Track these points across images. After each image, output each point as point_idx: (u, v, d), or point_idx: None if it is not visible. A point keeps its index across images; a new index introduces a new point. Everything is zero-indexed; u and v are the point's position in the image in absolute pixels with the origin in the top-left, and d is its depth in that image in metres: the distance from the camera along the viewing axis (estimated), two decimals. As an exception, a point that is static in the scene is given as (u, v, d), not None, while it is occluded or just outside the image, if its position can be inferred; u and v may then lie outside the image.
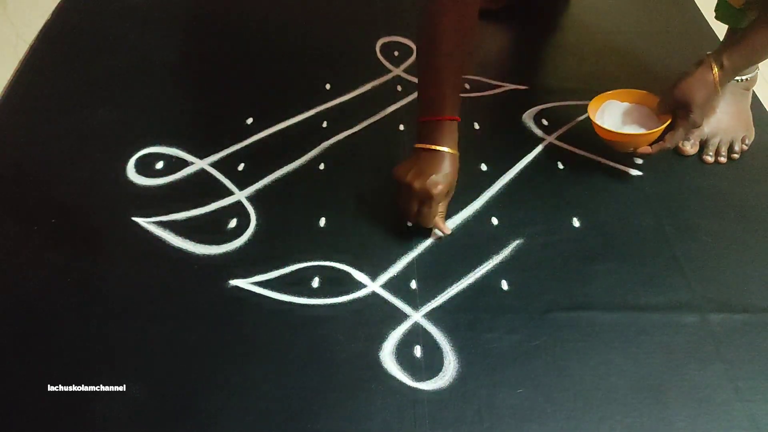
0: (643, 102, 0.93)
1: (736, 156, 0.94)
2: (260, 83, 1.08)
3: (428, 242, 0.84)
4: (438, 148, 0.78)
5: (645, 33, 1.18)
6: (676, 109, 0.86)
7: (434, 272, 0.81)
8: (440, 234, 0.84)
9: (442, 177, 0.78)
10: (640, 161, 0.95)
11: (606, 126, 0.90)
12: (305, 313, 0.77)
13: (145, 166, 0.94)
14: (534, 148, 0.97)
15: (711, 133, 0.95)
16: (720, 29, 1.18)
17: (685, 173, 0.94)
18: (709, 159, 0.94)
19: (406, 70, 1.11)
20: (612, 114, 0.93)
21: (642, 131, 0.89)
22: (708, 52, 0.85)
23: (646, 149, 0.88)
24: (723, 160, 0.94)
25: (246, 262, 0.82)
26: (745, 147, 0.95)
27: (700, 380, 0.72)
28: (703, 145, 0.95)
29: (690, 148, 0.95)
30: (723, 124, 0.93)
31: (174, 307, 0.77)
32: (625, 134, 0.89)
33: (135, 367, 0.72)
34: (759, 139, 0.98)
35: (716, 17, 0.93)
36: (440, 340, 0.75)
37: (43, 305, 0.77)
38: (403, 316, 0.77)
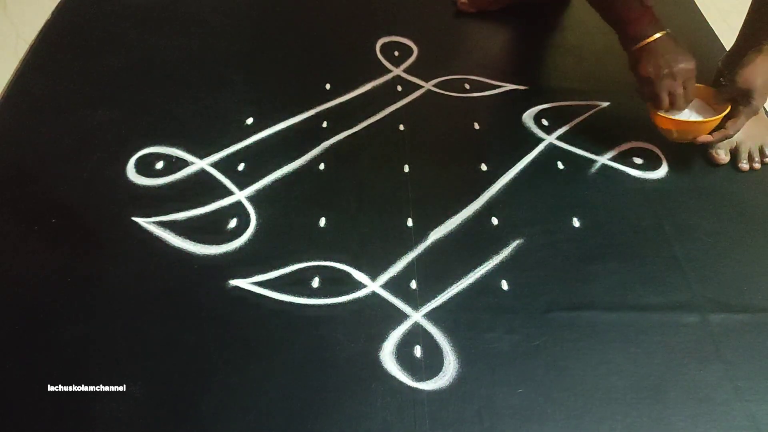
0: (697, 94, 0.92)
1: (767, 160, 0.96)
2: (260, 83, 1.08)
3: (428, 242, 0.85)
4: (661, 33, 0.85)
5: (645, 33, 1.18)
6: (738, 97, 0.86)
7: (434, 272, 0.81)
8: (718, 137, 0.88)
9: (684, 52, 0.85)
10: (639, 161, 0.95)
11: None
12: (305, 313, 0.77)
13: (145, 166, 0.94)
14: (534, 148, 0.97)
15: (741, 141, 0.95)
16: (720, 29, 1.18)
17: (685, 173, 0.94)
18: (744, 166, 0.95)
19: (406, 70, 1.11)
20: None
21: (702, 119, 0.89)
22: (764, 41, 0.85)
23: (706, 137, 0.88)
24: (757, 165, 0.95)
25: (246, 262, 0.82)
26: None
27: (700, 380, 0.72)
28: (734, 152, 0.96)
29: (724, 156, 0.95)
30: (751, 130, 0.94)
31: (174, 307, 0.77)
32: (690, 122, 0.89)
33: (135, 367, 0.72)
34: (759, 139, 0.98)
35: None
36: (440, 340, 0.75)
37: (43, 305, 0.77)
38: (403, 316, 0.77)
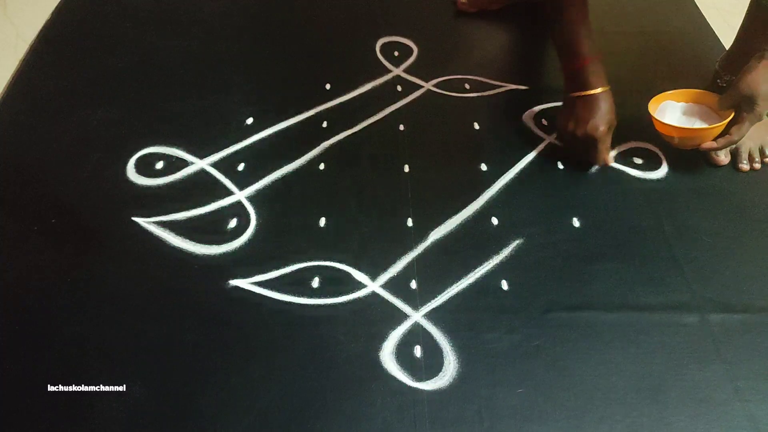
0: (700, 100, 0.93)
1: None
2: (260, 83, 1.08)
3: (428, 242, 0.85)
4: (590, 92, 0.86)
5: (645, 33, 1.18)
6: (741, 104, 0.86)
7: (434, 272, 0.81)
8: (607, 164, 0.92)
9: (600, 119, 0.86)
10: (639, 161, 0.95)
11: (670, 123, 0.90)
12: (305, 313, 0.77)
13: (145, 166, 0.94)
14: (534, 148, 0.97)
15: (741, 141, 0.94)
16: (720, 29, 1.18)
17: (685, 173, 0.94)
18: (745, 167, 0.95)
19: (406, 70, 1.11)
20: (672, 113, 0.93)
21: (706, 126, 0.89)
22: (766, 46, 0.84)
23: (711, 144, 0.88)
24: (758, 166, 0.95)
25: (246, 262, 0.82)
26: None
27: (699, 380, 0.72)
28: (734, 153, 0.95)
29: (724, 157, 0.95)
30: (751, 131, 0.92)
31: (174, 307, 0.77)
32: (693, 129, 0.89)
33: (135, 367, 0.72)
34: (759, 139, 0.98)
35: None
36: (440, 340, 0.75)
37: (43, 305, 0.77)
38: (403, 316, 0.77)
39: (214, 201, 0.89)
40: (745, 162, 0.95)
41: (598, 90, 0.87)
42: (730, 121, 0.87)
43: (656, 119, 0.90)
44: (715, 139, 0.88)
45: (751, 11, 0.96)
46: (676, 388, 0.71)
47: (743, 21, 0.98)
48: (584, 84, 0.87)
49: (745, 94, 0.85)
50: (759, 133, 0.96)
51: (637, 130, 0.99)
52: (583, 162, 0.93)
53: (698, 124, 0.90)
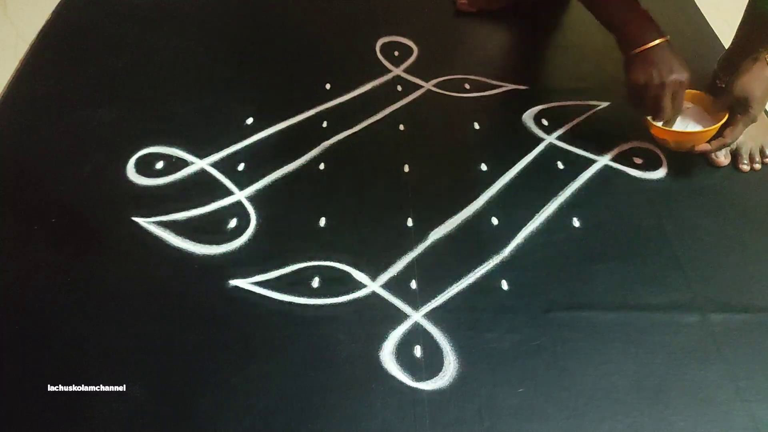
0: (694, 102, 0.92)
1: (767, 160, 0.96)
2: (260, 83, 1.08)
3: (428, 242, 0.84)
4: (659, 41, 0.84)
5: (645, 33, 1.18)
6: (735, 106, 0.86)
7: (434, 272, 0.81)
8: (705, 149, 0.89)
9: (680, 63, 0.84)
10: (639, 161, 0.95)
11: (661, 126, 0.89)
12: (305, 313, 0.77)
13: (145, 166, 0.94)
14: (534, 148, 0.97)
15: (741, 142, 0.95)
16: (720, 29, 1.18)
17: (685, 173, 0.94)
18: (745, 167, 0.95)
19: (406, 70, 1.11)
20: None
21: (700, 128, 0.89)
22: (761, 49, 0.85)
23: (705, 146, 0.88)
24: (758, 166, 0.95)
25: (246, 262, 0.82)
26: None
27: (700, 380, 0.72)
28: (735, 154, 0.96)
29: (724, 158, 0.95)
30: (751, 131, 0.93)
31: (174, 307, 0.77)
32: (687, 132, 0.89)
33: (135, 367, 0.72)
34: (759, 139, 0.98)
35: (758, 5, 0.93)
36: (440, 340, 0.75)
37: (43, 305, 0.77)
38: (404, 316, 0.77)
39: (214, 201, 0.89)
40: (745, 162, 0.95)
41: (666, 38, 0.85)
42: (724, 123, 0.87)
43: (650, 122, 0.90)
44: (708, 142, 0.88)
45: (747, 12, 0.96)
46: (676, 388, 0.71)
47: (741, 22, 0.98)
48: (653, 35, 0.84)
49: (738, 96, 0.85)
50: (759, 134, 0.96)
51: (637, 130, 0.99)
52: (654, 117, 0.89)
53: (692, 127, 0.90)
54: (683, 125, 0.91)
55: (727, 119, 0.87)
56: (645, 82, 0.85)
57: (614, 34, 0.88)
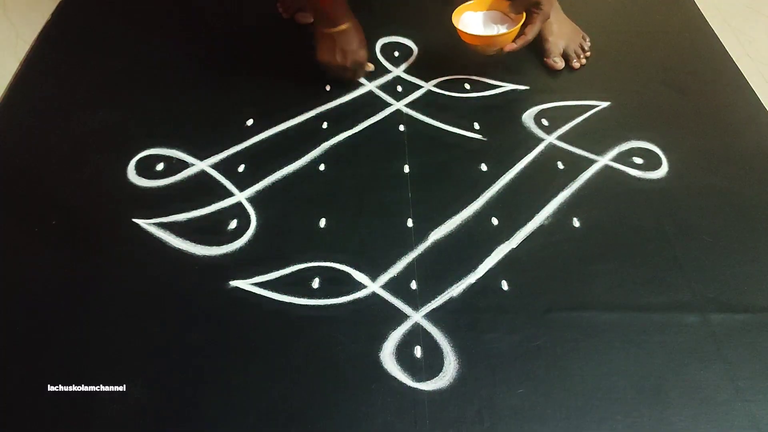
0: (495, 7, 1.03)
1: (588, 54, 1.11)
2: (260, 84, 1.08)
3: (428, 242, 0.84)
4: (343, 26, 0.97)
5: (645, 33, 1.18)
6: (529, 6, 0.97)
7: (434, 272, 0.81)
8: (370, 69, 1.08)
9: (357, 46, 1.00)
10: (639, 161, 0.95)
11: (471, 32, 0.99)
12: (305, 313, 0.77)
13: (145, 168, 0.94)
14: (534, 148, 0.97)
15: (565, 45, 1.10)
16: (720, 29, 1.18)
17: (685, 173, 0.94)
18: (576, 64, 1.09)
19: (406, 70, 1.11)
20: (472, 23, 1.03)
21: (503, 31, 0.99)
22: None
23: (511, 45, 0.99)
24: (584, 61, 1.10)
25: (246, 262, 0.82)
26: (589, 44, 1.12)
27: (700, 380, 0.72)
28: (565, 57, 1.10)
29: (559, 62, 1.09)
30: (567, 30, 1.10)
31: (174, 307, 0.77)
32: (490, 36, 0.99)
33: (135, 367, 0.72)
34: (759, 140, 0.98)
35: None
36: (440, 340, 0.75)
37: (43, 305, 0.77)
38: (404, 317, 0.77)
39: (214, 202, 0.89)
40: (575, 60, 1.09)
41: (350, 24, 0.98)
42: (524, 23, 0.98)
43: (460, 30, 0.99)
44: (514, 41, 0.98)
45: None
46: (676, 388, 0.71)
47: None
48: (339, 19, 0.97)
49: None
50: (573, 34, 1.11)
51: (637, 130, 0.99)
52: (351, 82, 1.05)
53: (496, 30, 1.00)
54: (490, 30, 1.01)
55: (526, 19, 0.98)
56: (329, 60, 1.00)
57: (311, 12, 1.04)
